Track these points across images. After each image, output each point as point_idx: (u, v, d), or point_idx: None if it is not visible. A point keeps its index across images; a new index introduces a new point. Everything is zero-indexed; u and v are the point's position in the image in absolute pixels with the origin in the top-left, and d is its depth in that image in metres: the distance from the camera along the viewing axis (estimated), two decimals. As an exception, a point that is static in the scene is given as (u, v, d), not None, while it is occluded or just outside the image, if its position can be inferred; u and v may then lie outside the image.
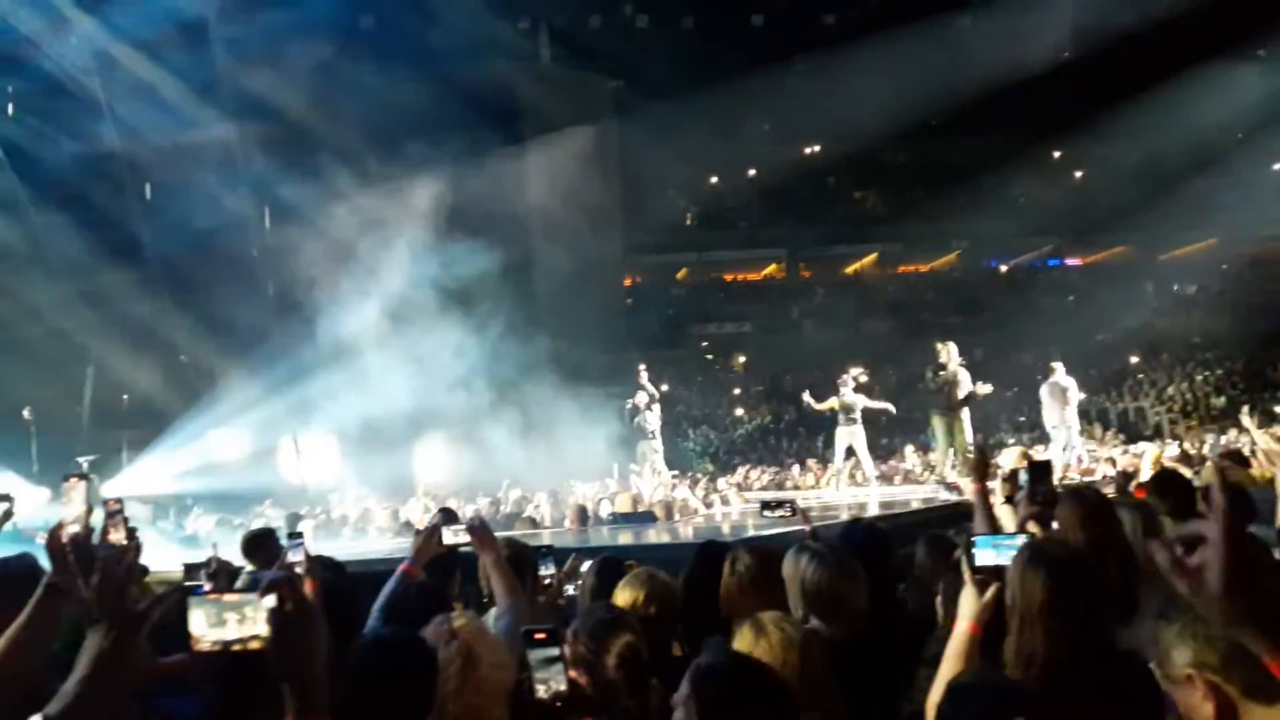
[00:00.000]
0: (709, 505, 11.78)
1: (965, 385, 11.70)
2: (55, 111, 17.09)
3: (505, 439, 16.66)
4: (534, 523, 10.08)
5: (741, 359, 30.69)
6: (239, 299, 17.77)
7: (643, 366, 16.10)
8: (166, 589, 1.50)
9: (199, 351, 18.17)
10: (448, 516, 5.12)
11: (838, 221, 34.36)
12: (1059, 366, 13.25)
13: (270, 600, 1.42)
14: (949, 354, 11.95)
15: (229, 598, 1.45)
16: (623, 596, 3.08)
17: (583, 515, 9.02)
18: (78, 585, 2.05)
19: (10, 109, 16.11)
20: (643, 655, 2.51)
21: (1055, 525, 3.49)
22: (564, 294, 23.11)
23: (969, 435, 11.90)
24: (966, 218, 31.80)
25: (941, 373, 11.85)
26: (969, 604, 2.47)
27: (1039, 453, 11.93)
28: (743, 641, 2.44)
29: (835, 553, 3.28)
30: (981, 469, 3.79)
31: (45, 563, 2.47)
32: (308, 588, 3.12)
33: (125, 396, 17.62)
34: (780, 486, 16.42)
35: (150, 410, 17.29)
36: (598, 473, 17.08)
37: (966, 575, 2.53)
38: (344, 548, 9.13)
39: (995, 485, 4.45)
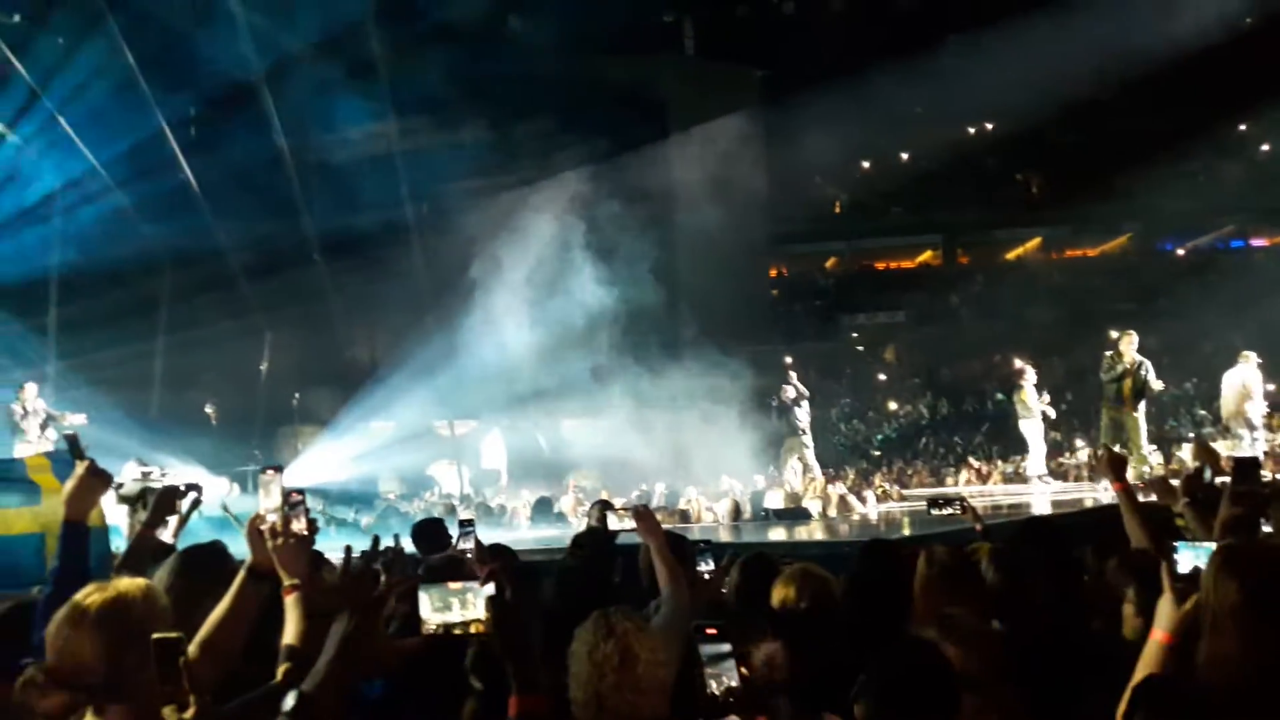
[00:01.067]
0: (863, 502, 11.51)
1: (1144, 379, 10.96)
2: (228, 115, 18.26)
3: (652, 433, 16.76)
4: (685, 517, 10.08)
5: (894, 350, 29.86)
6: (401, 295, 18.63)
7: (789, 360, 15.86)
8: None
9: (363, 346, 19.11)
10: (605, 506, 5.20)
11: (998, 205, 32.89)
12: (1251, 356, 12.20)
13: (490, 588, 1.55)
14: (1129, 344, 11.20)
15: (453, 585, 1.60)
16: (777, 594, 3.04)
17: (736, 511, 8.96)
18: (282, 569, 2.27)
19: (188, 114, 17.18)
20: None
21: (1267, 527, 3.28)
22: (709, 286, 23.08)
23: (1143, 434, 11.15)
24: (1139, 198, 29.75)
25: (1119, 364, 11.13)
26: (1166, 612, 2.33)
27: (1222, 448, 11.11)
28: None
29: (1014, 553, 3.18)
30: (1119, 468, 3.72)
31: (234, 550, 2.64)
32: (482, 572, 3.23)
33: (296, 395, 18.72)
34: (940, 483, 15.91)
35: (319, 404, 18.33)
36: (745, 468, 17.02)
37: (1167, 583, 2.38)
38: (498, 537, 9.40)
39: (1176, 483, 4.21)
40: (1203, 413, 21.08)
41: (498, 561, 3.29)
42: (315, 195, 19.34)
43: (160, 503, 3.24)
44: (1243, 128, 32.27)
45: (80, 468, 2.74)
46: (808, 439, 14.61)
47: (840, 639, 3.10)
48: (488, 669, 2.08)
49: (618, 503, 10.11)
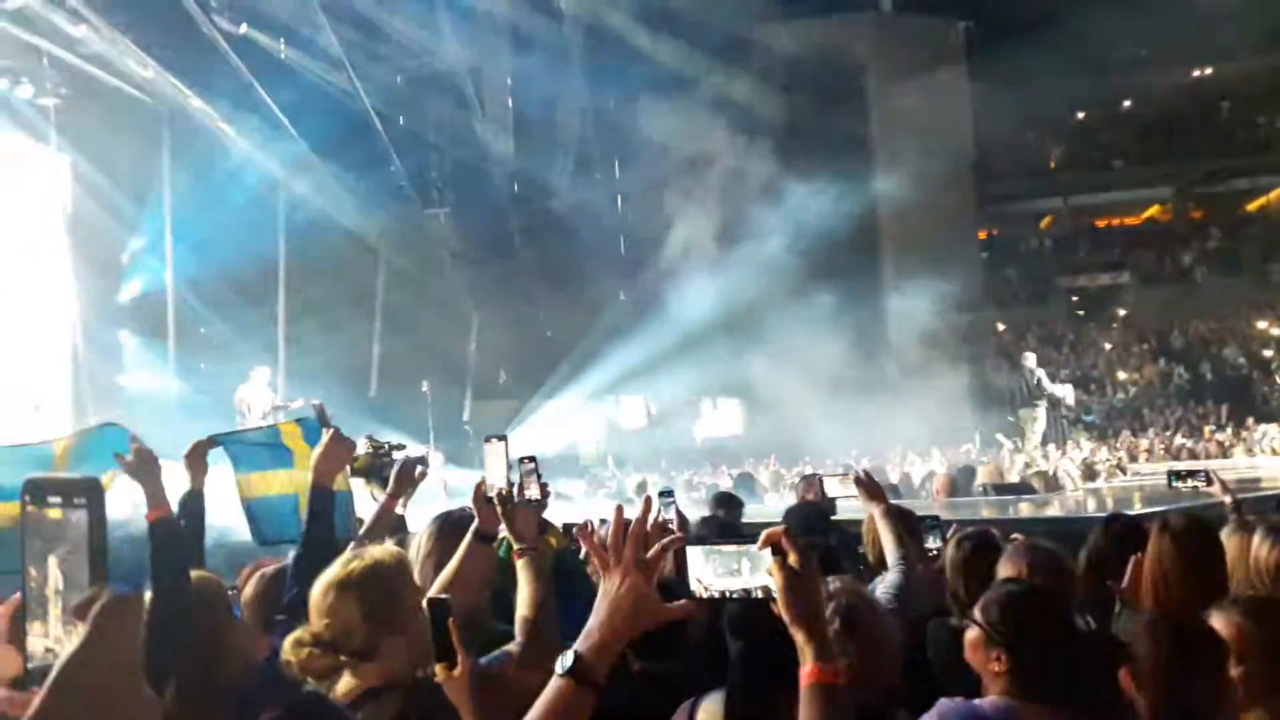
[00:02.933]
0: (1092, 477, 10.84)
1: None
2: (435, 113, 19.21)
3: (857, 405, 16.44)
4: (895, 491, 9.86)
5: (1121, 314, 27.81)
6: (601, 270, 19.14)
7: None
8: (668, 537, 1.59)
9: (563, 327, 19.78)
10: (819, 478, 5.14)
11: (1236, 152, 29.78)
12: None
13: (766, 552, 1.49)
14: None
15: (726, 547, 1.54)
16: (1005, 569, 2.91)
17: (951, 486, 8.67)
18: (514, 534, 2.41)
19: (398, 115, 18.19)
20: None
21: None
22: (915, 251, 22.32)
23: None
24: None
25: None
26: None
27: None
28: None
29: None
30: None
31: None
32: (677, 542, 3.29)
33: (502, 372, 19.65)
34: (1175, 456, 14.76)
35: (523, 379, 19.17)
36: (953, 440, 16.43)
37: None
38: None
39: None
40: None
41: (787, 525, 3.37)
42: (520, 181, 20.17)
43: (402, 475, 3.39)
44: None
45: (327, 435, 2.93)
46: (1041, 411, 13.82)
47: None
48: (750, 630, 2.14)
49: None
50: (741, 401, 20.00)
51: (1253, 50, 27.22)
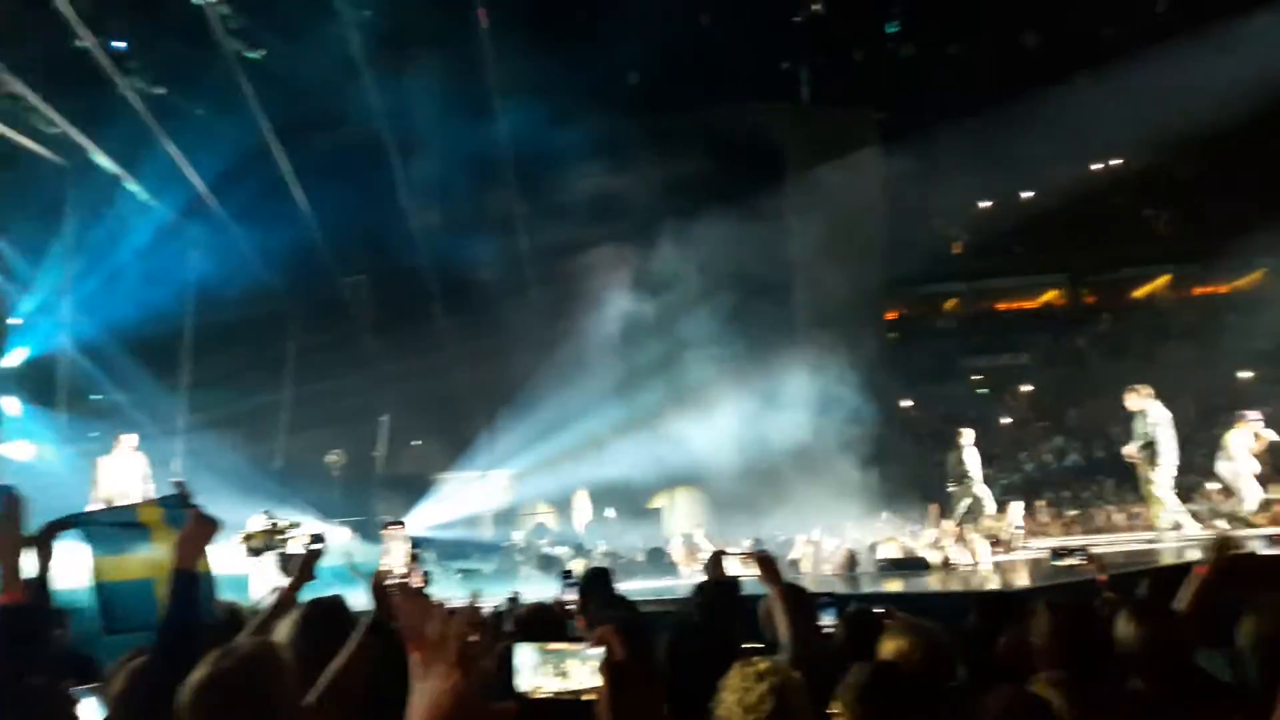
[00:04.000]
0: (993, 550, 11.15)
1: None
2: (355, 178, 19.10)
3: (766, 481, 16.63)
4: (797, 568, 9.99)
5: (1020, 392, 28.88)
6: (517, 347, 19.07)
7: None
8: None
9: (477, 403, 19.59)
10: (720, 555, 5.19)
11: (1124, 243, 31.62)
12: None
13: (600, 651, 1.43)
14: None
15: (555, 646, 1.47)
16: (888, 647, 2.97)
17: (850, 561, 8.83)
18: (407, 627, 2.34)
19: (316, 180, 18.00)
20: None
21: None
22: (826, 331, 22.89)
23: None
24: (1272, 232, 28.17)
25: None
26: None
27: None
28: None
29: (1153, 605, 3.04)
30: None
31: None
32: (579, 623, 3.29)
33: (417, 441, 19.34)
34: (1067, 530, 15.26)
35: (438, 453, 18.89)
36: (859, 517, 16.69)
37: None
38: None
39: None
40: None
41: (611, 619, 3.36)
42: (436, 250, 20.11)
43: (305, 567, 3.35)
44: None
45: (191, 516, 2.82)
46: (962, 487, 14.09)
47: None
48: None
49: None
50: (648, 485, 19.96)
51: (1140, 148, 29.14)
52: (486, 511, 17.86)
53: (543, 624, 3.47)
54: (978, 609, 3.40)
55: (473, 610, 1.49)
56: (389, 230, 19.11)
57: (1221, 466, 11.70)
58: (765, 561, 3.34)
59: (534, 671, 1.45)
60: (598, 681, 1.43)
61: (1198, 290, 32.12)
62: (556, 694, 1.46)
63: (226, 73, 14.88)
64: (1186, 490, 16.74)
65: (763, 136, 24.78)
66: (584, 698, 1.43)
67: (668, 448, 18.26)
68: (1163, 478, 11.05)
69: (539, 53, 17.68)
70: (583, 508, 17.35)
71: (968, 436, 13.33)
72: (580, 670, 1.43)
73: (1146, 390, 11.24)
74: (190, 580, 2.67)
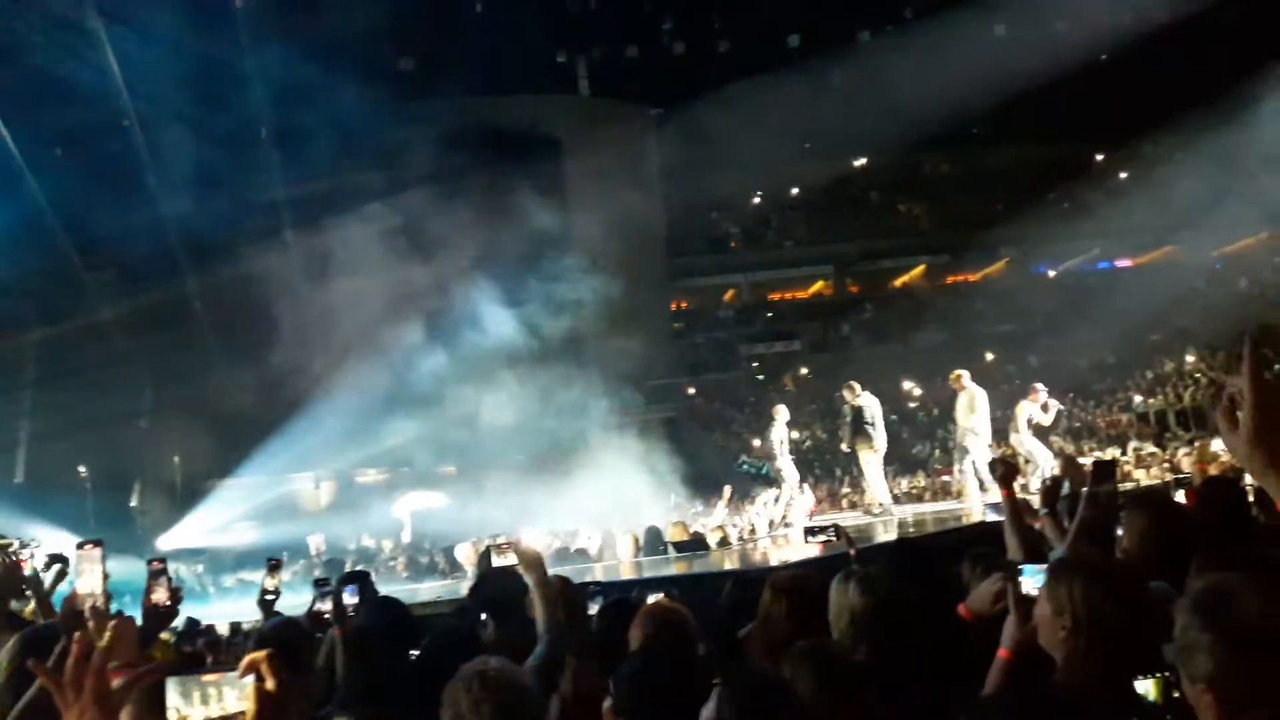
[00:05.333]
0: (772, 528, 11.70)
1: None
2: (96, 174, 17.54)
3: (557, 471, 16.70)
4: (586, 555, 10.10)
5: (794, 377, 30.54)
6: (285, 347, 18.09)
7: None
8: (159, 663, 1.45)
9: (249, 406, 18.47)
10: (488, 549, 5.14)
11: (883, 235, 34.13)
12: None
13: (250, 679, 1.33)
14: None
15: (208, 676, 1.39)
16: (634, 634, 2.95)
17: (636, 547, 9.01)
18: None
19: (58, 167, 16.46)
20: None
21: (1120, 532, 3.36)
22: (612, 321, 23.24)
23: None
24: (1013, 225, 31.37)
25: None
26: (1009, 631, 2.46)
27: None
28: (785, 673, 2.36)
29: (884, 577, 3.17)
30: (1009, 476, 3.74)
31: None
32: (336, 634, 3.16)
33: (176, 458, 18.05)
34: (837, 507, 16.26)
35: (205, 462, 17.69)
36: (651, 501, 17.07)
37: (1011, 603, 2.51)
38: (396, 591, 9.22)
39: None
40: (1078, 425, 22.17)
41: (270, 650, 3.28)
42: (196, 243, 18.78)
43: (40, 591, 3.08)
44: (1100, 158, 34.50)
45: None
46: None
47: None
48: None
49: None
50: (448, 475, 19.63)
51: (895, 147, 31.52)
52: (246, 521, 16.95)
53: (283, 641, 3.31)
54: (729, 589, 3.53)
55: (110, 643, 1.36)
56: (138, 221, 17.62)
57: (1013, 438, 12.69)
58: (524, 552, 3.29)
59: (185, 701, 1.40)
60: (242, 707, 1.33)
61: (950, 279, 35.16)
62: None
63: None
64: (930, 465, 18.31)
65: (540, 127, 24.82)
66: None
67: (454, 442, 17.99)
68: (876, 464, 11.95)
69: (303, 36, 16.93)
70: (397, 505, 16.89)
71: (781, 414, 13.92)
72: (230, 697, 1.39)
73: (858, 386, 12.15)
74: None
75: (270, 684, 1.33)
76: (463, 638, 3.33)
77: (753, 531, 11.45)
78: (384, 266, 18.30)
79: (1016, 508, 3.74)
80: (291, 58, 17.31)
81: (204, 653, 4.52)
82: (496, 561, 3.54)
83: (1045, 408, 12.13)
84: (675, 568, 8.62)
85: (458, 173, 19.68)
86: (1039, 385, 12.74)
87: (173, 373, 17.66)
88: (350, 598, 4.22)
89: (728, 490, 15.70)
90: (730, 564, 8.42)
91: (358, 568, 8.31)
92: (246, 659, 1.36)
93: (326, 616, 3.41)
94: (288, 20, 17.41)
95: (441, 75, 20.17)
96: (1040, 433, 12.89)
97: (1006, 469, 3.83)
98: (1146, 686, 1.65)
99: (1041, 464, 12.22)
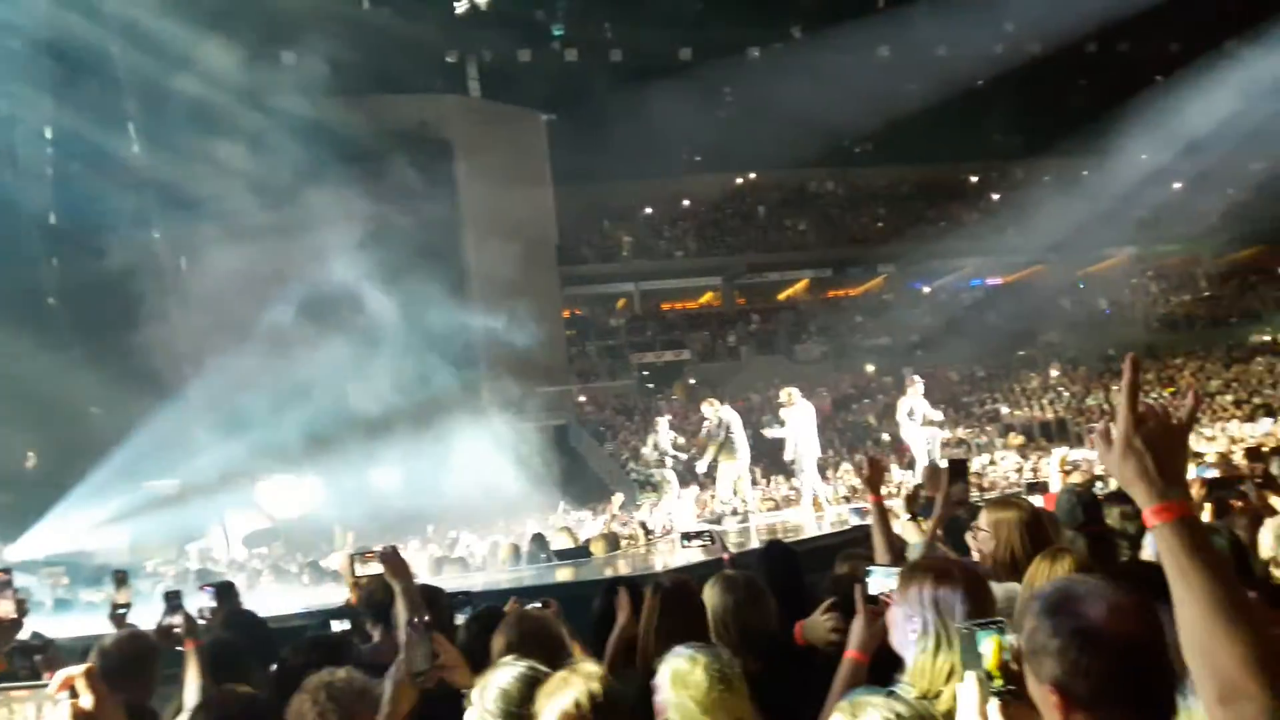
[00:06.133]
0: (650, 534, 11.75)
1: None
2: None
3: (445, 477, 16.45)
4: (464, 564, 9.96)
5: (683, 386, 30.84)
6: (154, 344, 17.22)
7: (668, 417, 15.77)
8: None
9: (111, 402, 17.48)
10: (353, 557, 5.01)
11: (769, 248, 34.91)
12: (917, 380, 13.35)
13: (64, 696, 1.28)
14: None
15: (17, 693, 1.30)
16: (497, 643, 2.95)
17: (515, 553, 8.93)
18: None
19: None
20: None
21: (980, 533, 3.47)
22: (503, 328, 23.04)
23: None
24: (892, 243, 32.58)
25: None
26: (858, 632, 2.50)
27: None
28: (661, 677, 2.39)
29: (744, 580, 3.24)
30: (876, 481, 3.84)
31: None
32: (188, 647, 3.07)
33: (30, 454, 17.00)
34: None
35: (60, 466, 16.66)
36: (542, 507, 16.99)
37: (859, 603, 2.56)
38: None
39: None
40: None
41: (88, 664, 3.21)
42: (57, 229, 17.79)
43: None
44: (974, 179, 36.18)
45: None
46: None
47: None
48: None
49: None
50: (321, 477, 19.04)
51: (783, 164, 32.30)
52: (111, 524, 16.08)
53: (123, 656, 3.17)
54: (602, 596, 3.54)
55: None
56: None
57: (903, 432, 13.16)
58: (389, 559, 3.23)
59: None
60: None
61: (831, 293, 36.16)
62: None
63: None
64: (822, 470, 18.71)
65: (430, 127, 24.43)
66: None
67: (333, 448, 17.50)
68: (732, 474, 12.25)
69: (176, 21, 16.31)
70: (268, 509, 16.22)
71: (663, 423, 14.05)
72: (48, 712, 1.29)
73: (717, 401, 12.49)
74: None
75: (86, 701, 1.28)
76: (323, 649, 3.24)
77: (634, 538, 11.49)
78: (259, 265, 17.64)
79: (884, 512, 3.85)
80: (164, 47, 16.67)
81: (41, 669, 4.26)
82: (360, 570, 3.44)
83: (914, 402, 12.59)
84: (558, 575, 8.57)
85: (342, 170, 19.16)
86: (916, 377, 13.19)
87: (26, 372, 16.57)
88: (208, 604, 4.06)
89: (617, 497, 15.81)
90: (611, 571, 8.42)
91: (223, 578, 7.98)
92: (61, 675, 1.30)
93: (177, 631, 3.26)
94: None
95: (327, 70, 19.61)
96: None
97: (874, 474, 3.94)
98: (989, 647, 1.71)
99: (917, 457, 12.74)
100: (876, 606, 2.50)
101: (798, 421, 12.06)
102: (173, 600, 3.40)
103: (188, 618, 3.31)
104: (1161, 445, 1.46)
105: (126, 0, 16.91)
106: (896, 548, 3.85)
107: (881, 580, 2.57)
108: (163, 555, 15.48)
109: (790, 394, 12.35)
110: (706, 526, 5.48)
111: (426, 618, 2.42)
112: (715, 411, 12.08)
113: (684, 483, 14.13)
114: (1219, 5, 24.68)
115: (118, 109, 17.54)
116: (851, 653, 2.47)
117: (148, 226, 18.63)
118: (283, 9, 18.82)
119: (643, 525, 11.87)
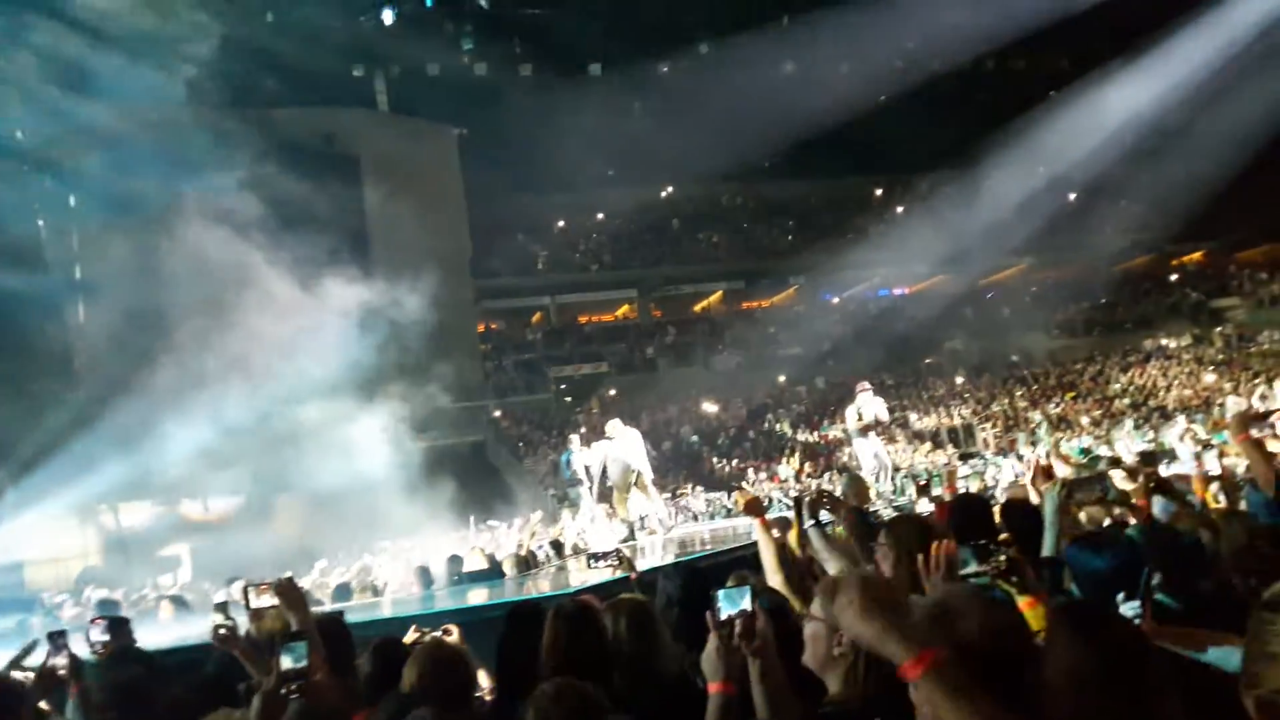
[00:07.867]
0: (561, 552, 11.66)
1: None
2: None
3: (353, 500, 16.09)
4: (375, 590, 9.75)
5: (601, 399, 30.84)
6: (48, 369, 16.54)
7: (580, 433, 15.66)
8: None
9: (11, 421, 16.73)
10: (245, 588, 4.85)
11: (685, 261, 35.24)
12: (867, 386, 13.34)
13: None
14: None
15: None
16: (407, 674, 2.88)
17: (425, 577, 8.78)
18: None
19: None
20: None
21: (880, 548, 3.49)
22: (417, 343, 22.69)
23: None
24: (802, 255, 33.23)
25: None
26: (714, 662, 2.22)
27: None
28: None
29: (638, 603, 3.18)
30: (755, 507, 3.93)
31: None
32: (72, 691, 2.94)
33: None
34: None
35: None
36: (455, 528, 16.74)
37: (711, 629, 2.24)
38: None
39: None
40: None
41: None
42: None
43: None
44: (879, 193, 37.19)
45: None
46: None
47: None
48: None
49: (303, 584, 9.57)
50: (234, 508, 18.48)
51: (696, 178, 32.69)
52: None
53: None
54: (507, 622, 3.46)
55: None
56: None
57: (853, 440, 13.10)
58: (284, 591, 3.12)
59: None
60: None
61: (745, 305, 36.64)
62: None
63: None
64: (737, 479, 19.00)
65: (337, 141, 24.02)
66: None
67: (240, 472, 16.99)
68: (638, 495, 12.31)
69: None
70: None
71: (575, 440, 13.89)
72: None
73: (619, 423, 12.54)
74: None
75: None
76: (216, 688, 3.14)
77: (549, 558, 11.40)
78: (158, 284, 17.09)
79: (768, 533, 3.90)
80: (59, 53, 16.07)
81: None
82: (255, 602, 3.31)
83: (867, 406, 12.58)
84: (470, 598, 8.45)
85: (247, 185, 18.68)
86: (865, 383, 13.11)
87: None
88: (99, 638, 3.88)
89: (536, 514, 15.65)
90: (522, 592, 8.33)
91: (120, 612, 7.65)
92: None
93: (61, 673, 3.12)
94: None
95: (230, 82, 19.12)
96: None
97: (752, 500, 4.03)
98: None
99: (865, 466, 12.71)
100: (729, 631, 2.19)
101: (628, 450, 12.15)
102: (58, 640, 3.24)
103: (73, 659, 3.17)
104: (892, 604, 1.54)
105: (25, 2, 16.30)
106: (796, 566, 3.90)
107: (732, 602, 2.25)
108: (58, 587, 14.79)
109: (612, 425, 12.47)
110: (615, 546, 5.47)
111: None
112: (615, 429, 12.09)
113: (602, 498, 14.05)
114: (1110, 23, 25.83)
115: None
116: (715, 685, 2.19)
117: (48, 250, 17.86)
118: (185, 20, 18.30)
119: (555, 544, 11.76)
